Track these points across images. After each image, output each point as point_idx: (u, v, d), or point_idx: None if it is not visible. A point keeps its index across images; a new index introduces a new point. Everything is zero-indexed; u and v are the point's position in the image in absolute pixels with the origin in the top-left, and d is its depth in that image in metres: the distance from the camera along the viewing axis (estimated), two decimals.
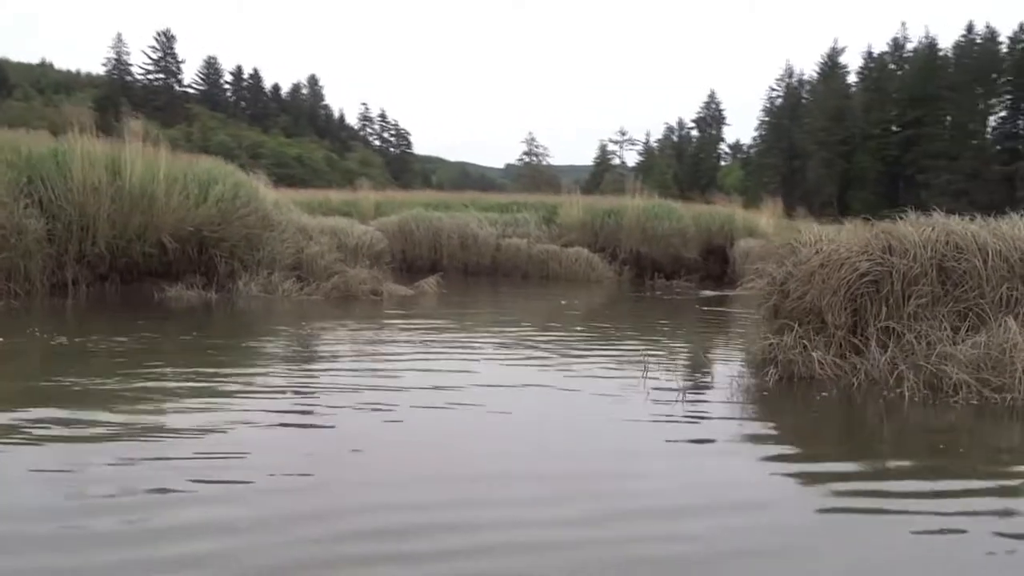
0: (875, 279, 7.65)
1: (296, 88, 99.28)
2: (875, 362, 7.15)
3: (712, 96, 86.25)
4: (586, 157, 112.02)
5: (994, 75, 69.56)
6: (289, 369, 7.77)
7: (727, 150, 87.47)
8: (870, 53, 76.18)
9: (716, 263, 22.23)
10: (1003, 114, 70.25)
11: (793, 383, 7.17)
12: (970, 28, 70.74)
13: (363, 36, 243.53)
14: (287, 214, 15.98)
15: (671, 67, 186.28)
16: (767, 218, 23.71)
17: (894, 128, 72.48)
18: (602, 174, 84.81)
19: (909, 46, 75.14)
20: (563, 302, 15.87)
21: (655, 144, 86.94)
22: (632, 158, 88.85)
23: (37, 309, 11.32)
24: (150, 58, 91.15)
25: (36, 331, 8.90)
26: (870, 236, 8.08)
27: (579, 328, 12.43)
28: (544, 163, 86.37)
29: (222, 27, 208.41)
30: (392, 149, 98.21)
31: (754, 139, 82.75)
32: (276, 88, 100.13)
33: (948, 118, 69.91)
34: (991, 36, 70.07)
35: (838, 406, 6.71)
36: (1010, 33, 69.73)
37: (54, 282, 12.62)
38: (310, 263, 14.95)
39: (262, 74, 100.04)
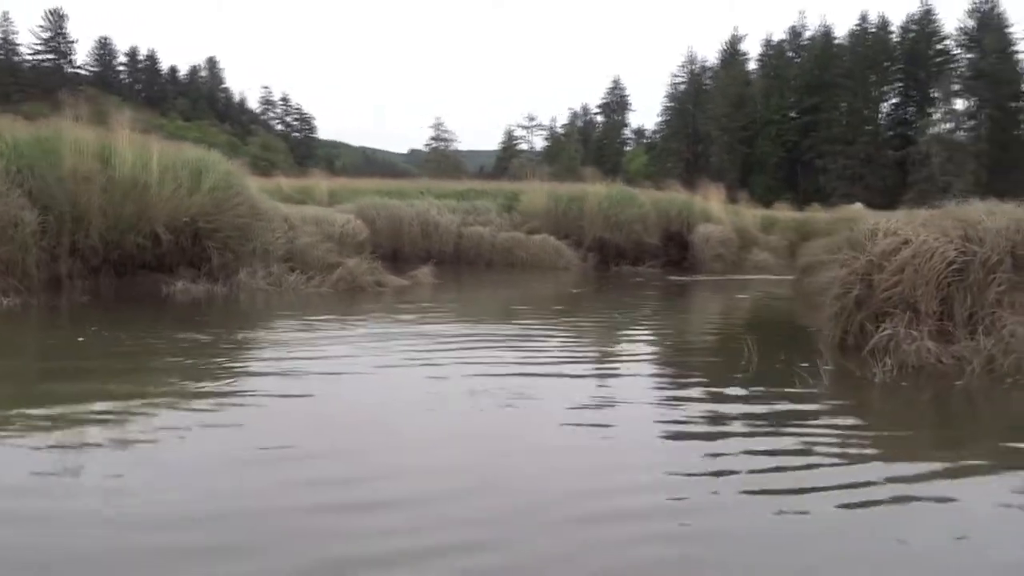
0: (960, 267, 7.88)
1: (194, 71, 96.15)
2: (983, 349, 7.31)
3: (617, 82, 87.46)
4: (492, 142, 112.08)
5: (886, 63, 72.53)
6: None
7: (631, 135, 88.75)
8: (769, 41, 78.39)
9: (675, 248, 22.54)
10: (895, 100, 73.40)
11: (905, 374, 7.20)
12: (864, 17, 73.53)
13: (264, 17, 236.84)
14: (268, 204, 15.48)
15: (576, 53, 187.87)
16: (717, 204, 24.15)
17: (792, 114, 74.83)
18: (509, 159, 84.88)
19: (806, 34, 77.58)
20: (574, 290, 15.91)
21: (561, 129, 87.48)
22: (539, 143, 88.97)
23: (43, 307, 10.67)
24: (39, 38, 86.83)
25: (95, 328, 8.41)
26: (947, 224, 8.31)
27: (637, 325, 12.32)
28: (451, 148, 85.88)
29: (116, 7, 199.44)
30: (295, 134, 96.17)
31: (658, 124, 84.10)
32: (173, 71, 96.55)
33: (844, 104, 72.47)
34: (883, 25, 72.96)
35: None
36: (901, 23, 72.86)
37: (47, 277, 11.92)
38: (302, 254, 14.53)
39: (158, 56, 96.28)
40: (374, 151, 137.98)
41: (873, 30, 73.15)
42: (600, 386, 6.89)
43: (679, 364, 8.50)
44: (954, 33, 70.55)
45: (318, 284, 13.38)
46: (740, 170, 73.18)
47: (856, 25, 73.83)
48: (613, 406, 6.00)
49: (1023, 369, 7.07)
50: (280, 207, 15.79)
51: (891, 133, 72.17)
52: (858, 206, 44.61)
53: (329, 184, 25.37)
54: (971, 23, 69.20)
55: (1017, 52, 67.65)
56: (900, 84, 72.44)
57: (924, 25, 71.65)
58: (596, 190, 22.19)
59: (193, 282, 12.69)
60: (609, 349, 9.32)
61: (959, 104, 69.22)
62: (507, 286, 17.21)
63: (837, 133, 71.41)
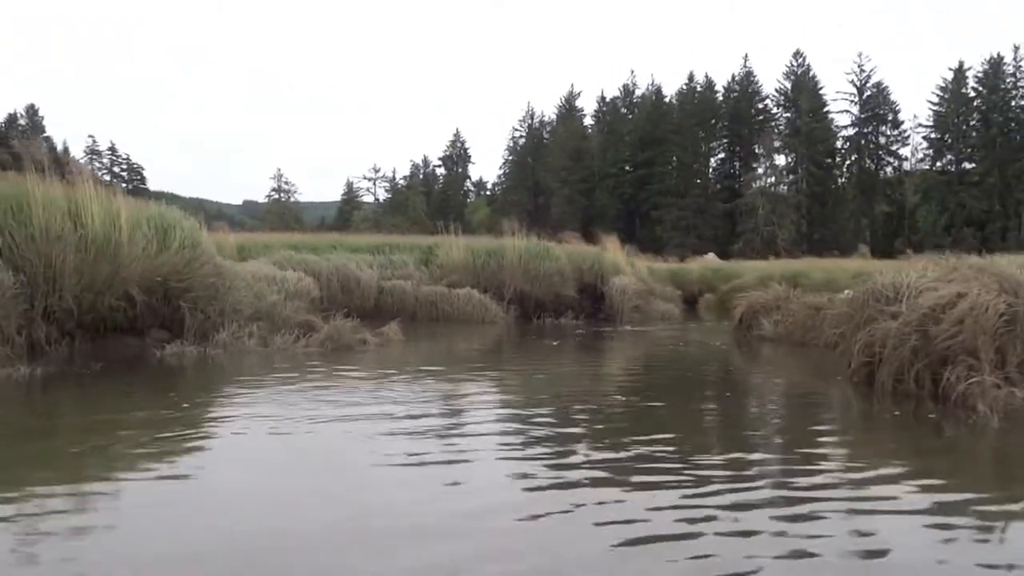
0: (1009, 319, 8.59)
1: (12, 118, 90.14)
2: None
3: (457, 135, 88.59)
4: (333, 193, 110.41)
5: (713, 120, 77.12)
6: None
7: (472, 187, 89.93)
8: (604, 98, 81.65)
9: (588, 300, 23.04)
10: (722, 156, 78.00)
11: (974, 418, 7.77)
12: (691, 77, 78.02)
13: (88, 63, 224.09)
14: (223, 261, 14.86)
15: (416, 105, 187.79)
16: (621, 256, 24.93)
17: (628, 168, 78.18)
18: (351, 211, 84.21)
19: (638, 92, 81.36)
20: (555, 343, 16.06)
21: (403, 181, 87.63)
22: (382, 195, 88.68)
23: (38, 377, 9.81)
24: None
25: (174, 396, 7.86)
26: (985, 278, 9.06)
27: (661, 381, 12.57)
28: (292, 200, 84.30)
29: None
30: (124, 184, 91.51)
31: (499, 176, 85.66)
32: None
33: (675, 159, 76.41)
34: (709, 85, 77.66)
35: None
36: (725, 83, 77.73)
37: (27, 344, 10.98)
38: (269, 313, 14.01)
39: None
40: (210, 201, 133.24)
41: (700, 89, 77.69)
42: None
43: (801, 413, 8.77)
44: (773, 94, 76.00)
45: (306, 344, 12.91)
46: (580, 221, 75.58)
47: (684, 84, 78.24)
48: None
49: None
50: (236, 265, 15.16)
51: (720, 186, 76.56)
52: (711, 256, 47.07)
53: (236, 238, 24.43)
54: (787, 85, 74.74)
55: (829, 112, 73.57)
56: (726, 140, 77.15)
57: (746, 86, 76.76)
58: (513, 244, 22.43)
59: (168, 344, 12.00)
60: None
61: (780, 160, 74.49)
62: (461, 338, 17.16)
63: (670, 186, 75.15)
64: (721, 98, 77.66)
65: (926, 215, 66.81)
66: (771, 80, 75.49)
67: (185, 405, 8.15)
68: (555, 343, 16.32)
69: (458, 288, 21.41)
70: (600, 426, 7.50)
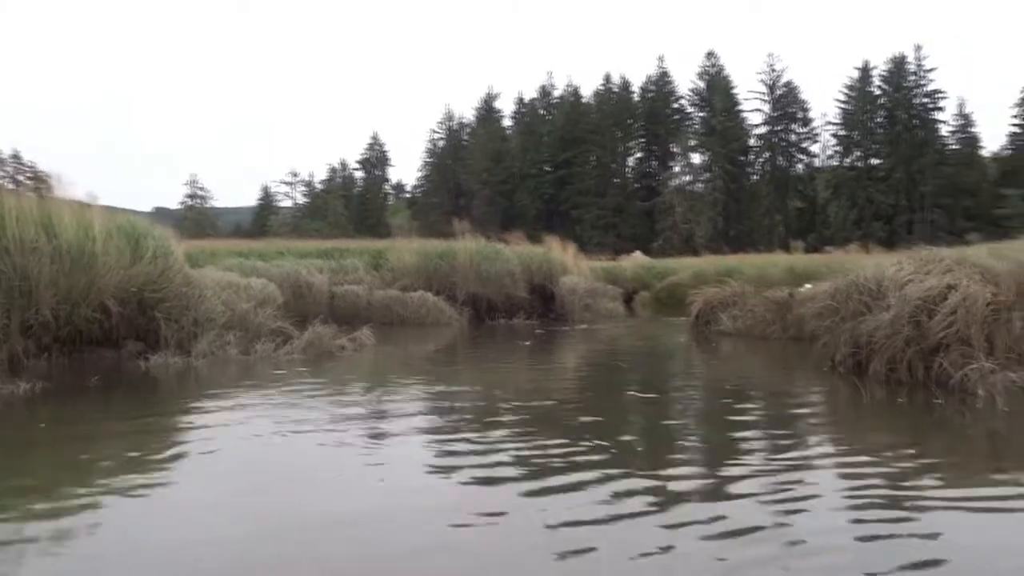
0: (996, 307, 9.08)
1: None
2: None
3: (375, 138, 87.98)
4: (248, 199, 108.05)
5: (630, 120, 78.22)
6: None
7: (392, 190, 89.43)
8: (522, 99, 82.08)
9: (539, 300, 23.25)
10: (639, 155, 79.17)
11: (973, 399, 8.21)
12: (607, 78, 78.97)
13: None
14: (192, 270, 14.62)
15: (333, 108, 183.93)
16: (567, 256, 25.20)
17: (548, 168, 78.73)
18: (268, 216, 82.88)
19: (556, 93, 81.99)
20: (527, 343, 16.20)
21: (320, 185, 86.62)
22: (301, 199, 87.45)
23: (38, 392, 9.53)
24: None
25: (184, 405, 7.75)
26: (967, 269, 9.54)
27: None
28: (207, 205, 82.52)
29: None
30: (30, 194, 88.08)
31: (419, 179, 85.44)
32: None
33: (594, 159, 77.21)
34: (625, 86, 78.74)
35: None
36: (641, 83, 78.99)
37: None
38: (242, 321, 13.83)
39: None
40: (115, 209, 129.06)
41: (616, 90, 78.74)
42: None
43: (787, 414, 9.08)
44: (688, 93, 77.50)
45: (288, 352, 12.81)
46: (502, 222, 75.81)
47: (601, 85, 79.15)
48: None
49: None
50: (203, 274, 14.92)
51: (638, 185, 77.68)
52: (638, 254, 47.80)
53: (185, 246, 23.84)
54: (701, 85, 76.36)
55: (742, 111, 75.38)
56: (643, 140, 78.31)
57: (661, 86, 78.10)
58: (465, 246, 22.50)
59: (148, 355, 11.80)
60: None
61: (696, 158, 75.95)
62: (423, 341, 17.20)
63: (589, 186, 75.91)
64: (637, 98, 78.81)
65: (837, 210, 68.94)
66: (686, 80, 76.92)
67: (191, 416, 8.14)
68: (527, 343, 16.50)
69: (411, 291, 21.40)
70: (592, 424, 7.71)
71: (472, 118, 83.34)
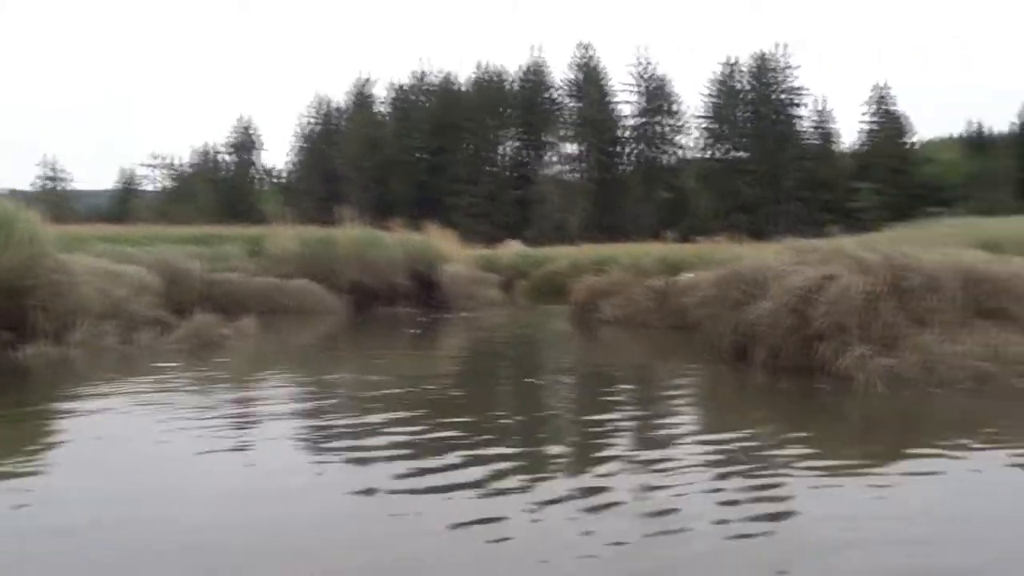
0: (871, 297, 9.60)
1: None
2: (906, 360, 9.01)
3: (246, 120, 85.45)
4: (107, 181, 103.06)
5: (504, 109, 78.64)
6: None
7: (263, 175, 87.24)
8: (397, 85, 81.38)
9: (421, 288, 23.20)
10: (515, 144, 79.71)
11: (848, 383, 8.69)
12: (482, 66, 79.22)
13: None
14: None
15: (199, 88, 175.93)
16: (449, 243, 25.23)
17: (422, 155, 78.43)
18: (130, 200, 79.71)
19: (430, 79, 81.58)
20: (414, 331, 16.06)
21: (189, 168, 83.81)
22: (165, 182, 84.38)
23: None
24: None
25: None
26: (843, 260, 10.05)
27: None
28: (66, 188, 78.76)
29: None
30: None
31: (291, 164, 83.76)
32: None
33: (468, 147, 77.34)
34: (500, 74, 79.06)
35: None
36: (516, 72, 79.48)
37: None
38: (116, 308, 13.34)
39: None
40: None
41: (491, 78, 78.97)
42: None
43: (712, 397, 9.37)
44: (562, 84, 78.38)
45: (171, 341, 12.43)
46: (376, 208, 75.11)
47: (476, 73, 79.25)
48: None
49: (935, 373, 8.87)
50: (75, 259, 14.29)
51: (513, 174, 78.19)
52: (514, 243, 48.19)
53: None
54: (574, 75, 77.37)
55: (614, 102, 76.82)
56: (518, 129, 78.81)
57: (536, 76, 78.70)
58: (346, 233, 22.25)
59: (19, 345, 11.25)
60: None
61: (569, 148, 77.02)
62: (304, 330, 16.97)
63: (463, 173, 75.97)
64: (512, 87, 79.27)
65: (704, 201, 71.20)
66: (560, 70, 77.62)
67: (66, 405, 7.88)
68: (413, 331, 16.48)
69: (291, 279, 21.03)
70: (472, 408, 7.89)
71: (346, 103, 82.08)
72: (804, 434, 6.78)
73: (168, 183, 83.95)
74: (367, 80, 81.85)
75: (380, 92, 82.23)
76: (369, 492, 5.07)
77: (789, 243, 12.13)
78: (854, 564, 3.98)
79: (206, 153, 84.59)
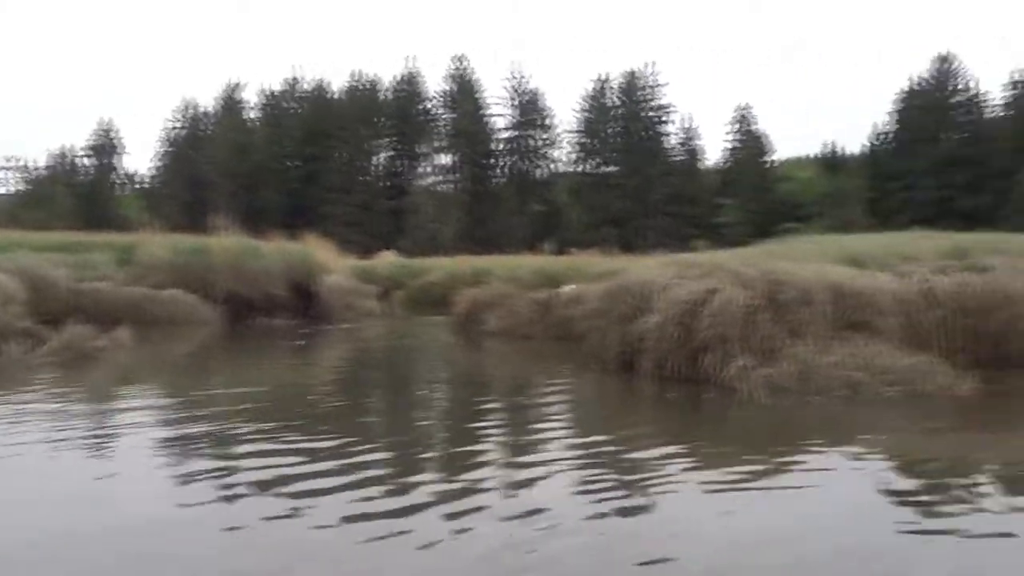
0: (751, 310, 10.05)
1: None
2: (784, 370, 9.48)
3: (106, 123, 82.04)
4: None
5: (378, 118, 78.18)
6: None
7: (124, 179, 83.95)
8: (267, 91, 79.85)
9: (299, 299, 22.83)
10: (388, 154, 79.32)
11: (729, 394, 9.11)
12: (356, 75, 78.57)
13: None
14: None
15: (54, 91, 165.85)
16: (328, 254, 24.94)
17: (294, 163, 77.15)
18: None
19: (303, 86, 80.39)
20: (300, 343, 15.73)
21: (43, 171, 79.86)
22: (17, 186, 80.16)
23: None
24: None
25: None
26: (722, 274, 10.49)
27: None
28: None
29: None
30: None
31: (156, 169, 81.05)
32: None
33: (341, 155, 76.51)
34: (374, 83, 78.59)
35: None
36: (390, 82, 79.18)
37: None
38: None
39: None
40: None
41: (365, 87, 78.43)
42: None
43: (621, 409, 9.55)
44: (436, 94, 78.50)
45: (43, 353, 11.90)
46: (246, 216, 73.35)
47: (349, 81, 78.58)
48: None
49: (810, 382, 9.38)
50: None
51: (386, 184, 77.79)
52: (389, 253, 47.99)
53: None
54: (449, 87, 77.62)
55: (488, 115, 77.45)
56: (392, 138, 78.49)
57: (410, 86, 78.59)
58: (221, 242, 21.72)
59: None
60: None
61: (443, 159, 77.16)
62: (178, 342, 16.51)
63: (336, 182, 75.08)
64: (386, 96, 78.89)
65: (576, 214, 72.52)
66: (434, 81, 77.63)
67: None
68: (301, 343, 16.25)
69: (163, 289, 20.40)
70: (352, 420, 7.96)
71: (214, 107, 79.98)
72: (681, 438, 7.16)
73: (21, 187, 79.78)
74: (237, 85, 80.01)
75: (250, 97, 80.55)
76: (231, 500, 5.10)
77: (672, 257, 12.54)
78: (702, 565, 4.22)
79: (63, 156, 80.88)
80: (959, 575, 4.18)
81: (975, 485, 5.81)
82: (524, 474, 5.74)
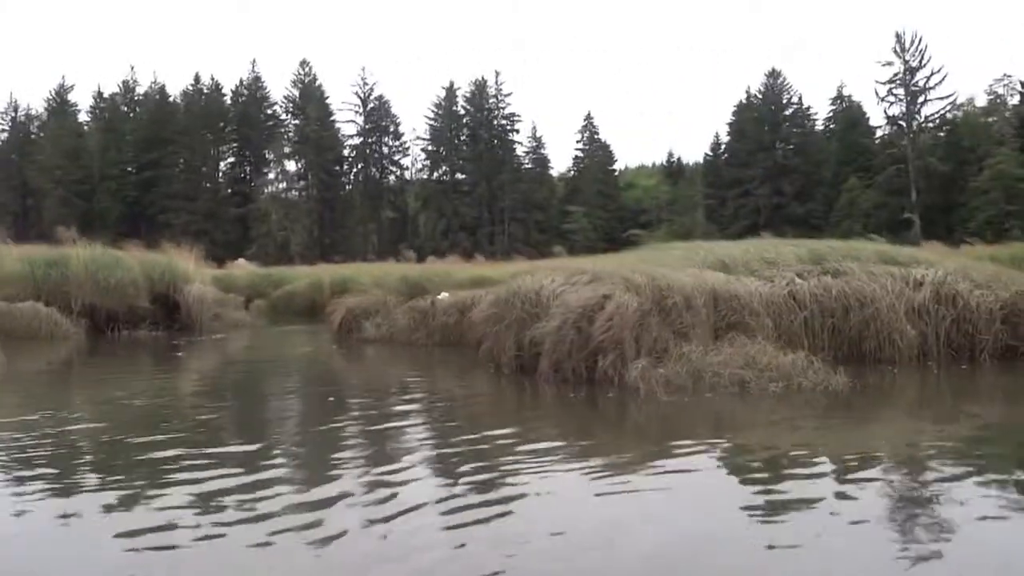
0: (642, 314, 10.54)
1: None
2: (677, 370, 10.00)
3: None
4: None
5: (221, 124, 76.10)
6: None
7: None
8: (101, 94, 76.46)
9: (163, 310, 22.09)
10: (232, 160, 77.28)
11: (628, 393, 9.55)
12: (198, 78, 76.14)
13: None
14: None
15: None
16: (191, 264, 24.17)
17: (132, 169, 74.12)
18: None
19: (140, 90, 77.42)
20: (179, 354, 15.17)
21: None
22: None
23: None
24: None
25: None
26: (613, 280, 10.95)
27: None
28: None
29: None
30: None
31: None
32: None
33: (182, 162, 74.03)
34: (216, 88, 76.49)
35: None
36: (233, 86, 77.18)
37: None
38: None
39: None
40: None
41: (207, 91, 76.20)
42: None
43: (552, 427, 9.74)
44: (282, 100, 77.14)
45: None
46: (79, 225, 69.80)
47: (190, 85, 76.15)
48: None
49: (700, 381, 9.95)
50: None
51: (231, 191, 75.78)
52: (242, 262, 46.90)
53: None
54: (295, 92, 76.41)
55: (337, 121, 76.68)
56: (236, 145, 76.56)
57: (254, 91, 76.93)
58: (79, 253, 20.74)
59: None
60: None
61: (291, 166, 75.87)
62: (42, 355, 15.74)
63: (178, 189, 72.67)
64: (229, 101, 76.91)
65: (426, 221, 72.78)
66: (280, 87, 76.30)
67: None
68: (179, 354, 15.79)
69: (17, 302, 19.35)
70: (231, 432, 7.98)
71: (42, 109, 75.90)
72: (578, 433, 7.55)
73: None
74: (67, 86, 76.23)
75: (83, 100, 76.93)
76: (73, 515, 5.09)
77: (554, 263, 12.94)
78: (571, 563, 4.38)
79: None
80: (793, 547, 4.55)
81: (821, 472, 6.25)
82: (388, 474, 5.90)
